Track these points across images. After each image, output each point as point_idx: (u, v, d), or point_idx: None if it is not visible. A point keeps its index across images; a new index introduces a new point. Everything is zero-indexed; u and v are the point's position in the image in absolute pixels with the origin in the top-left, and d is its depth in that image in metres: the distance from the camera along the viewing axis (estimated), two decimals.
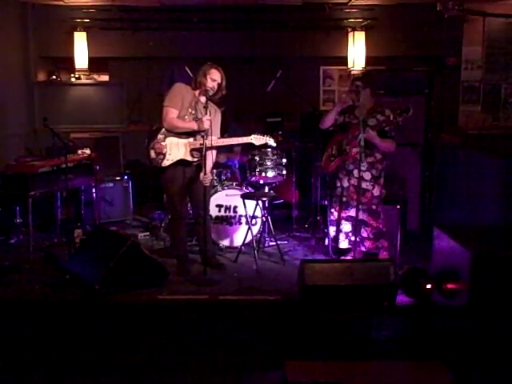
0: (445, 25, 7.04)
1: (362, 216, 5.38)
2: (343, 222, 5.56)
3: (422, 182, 6.62)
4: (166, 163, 5.19)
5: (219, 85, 5.18)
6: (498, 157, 5.57)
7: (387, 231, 5.46)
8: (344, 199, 5.51)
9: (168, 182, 5.28)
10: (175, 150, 5.19)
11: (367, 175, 5.36)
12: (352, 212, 5.41)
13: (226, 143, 5.36)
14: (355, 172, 5.37)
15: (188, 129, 5.16)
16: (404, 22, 7.92)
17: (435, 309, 4.47)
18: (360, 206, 5.32)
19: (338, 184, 5.56)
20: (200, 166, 5.16)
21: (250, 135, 5.34)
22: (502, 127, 7.13)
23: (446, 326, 4.13)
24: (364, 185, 5.33)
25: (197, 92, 5.23)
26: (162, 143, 5.17)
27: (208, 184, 5.18)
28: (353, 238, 5.37)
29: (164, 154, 5.17)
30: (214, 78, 5.15)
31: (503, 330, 3.90)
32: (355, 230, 5.32)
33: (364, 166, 5.29)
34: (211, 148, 5.15)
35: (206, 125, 5.02)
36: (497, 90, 7.17)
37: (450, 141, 6.41)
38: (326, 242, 6.01)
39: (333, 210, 5.66)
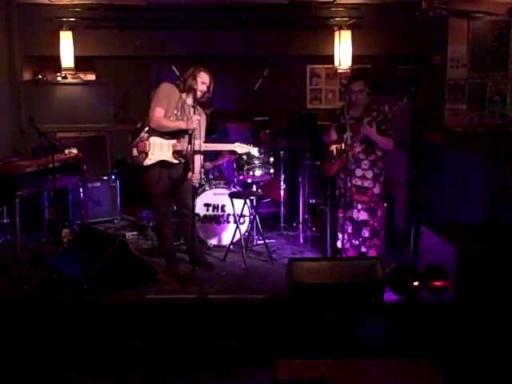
0: (430, 23, 7.07)
1: (362, 216, 5.36)
2: (346, 223, 5.41)
3: (409, 181, 6.65)
4: (147, 162, 5.14)
5: (208, 87, 5.18)
6: (483, 154, 5.61)
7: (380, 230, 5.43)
8: (347, 199, 5.34)
9: (151, 182, 5.23)
10: (158, 150, 5.15)
11: (369, 173, 5.32)
12: (354, 213, 5.37)
13: (209, 148, 5.34)
14: (357, 171, 5.34)
15: (175, 128, 5.13)
16: (390, 20, 7.92)
17: (423, 306, 4.50)
18: (361, 206, 5.34)
19: (341, 185, 5.39)
20: (186, 166, 5.15)
21: (233, 143, 5.32)
22: (487, 125, 7.20)
23: (434, 323, 4.16)
24: (366, 183, 5.33)
25: (184, 93, 5.21)
26: (146, 142, 5.13)
27: (196, 183, 5.17)
28: (353, 241, 5.38)
29: (146, 153, 5.13)
30: (204, 81, 5.14)
31: (490, 327, 3.94)
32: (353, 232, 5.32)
33: (366, 165, 5.30)
34: (196, 152, 5.11)
35: (195, 124, 5.00)
36: (482, 88, 7.24)
37: (436, 139, 6.45)
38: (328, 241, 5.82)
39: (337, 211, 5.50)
